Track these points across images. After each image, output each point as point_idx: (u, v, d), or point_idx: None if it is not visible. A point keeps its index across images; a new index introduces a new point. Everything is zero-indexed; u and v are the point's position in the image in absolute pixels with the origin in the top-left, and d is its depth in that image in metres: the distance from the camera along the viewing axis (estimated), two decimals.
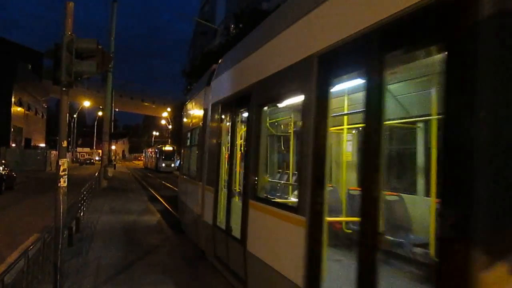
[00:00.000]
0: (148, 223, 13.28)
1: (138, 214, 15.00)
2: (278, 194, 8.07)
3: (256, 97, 5.55)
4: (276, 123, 8.93)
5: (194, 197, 9.07)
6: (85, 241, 10.01)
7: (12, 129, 44.88)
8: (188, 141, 11.38)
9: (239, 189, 6.62)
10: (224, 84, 7.52)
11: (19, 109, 47.67)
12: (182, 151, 13.65)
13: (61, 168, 6.04)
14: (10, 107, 44.45)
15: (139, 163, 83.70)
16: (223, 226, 6.59)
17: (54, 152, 43.61)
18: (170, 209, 16.90)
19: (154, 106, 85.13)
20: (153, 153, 61.30)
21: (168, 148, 54.62)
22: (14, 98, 45.33)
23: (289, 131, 8.15)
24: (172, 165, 51.42)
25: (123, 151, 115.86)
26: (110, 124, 29.32)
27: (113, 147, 66.15)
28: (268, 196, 6.18)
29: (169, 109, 72.72)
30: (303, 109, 4.15)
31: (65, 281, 6.42)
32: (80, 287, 6.66)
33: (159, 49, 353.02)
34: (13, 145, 44.29)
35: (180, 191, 12.58)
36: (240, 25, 24.83)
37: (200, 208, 8.35)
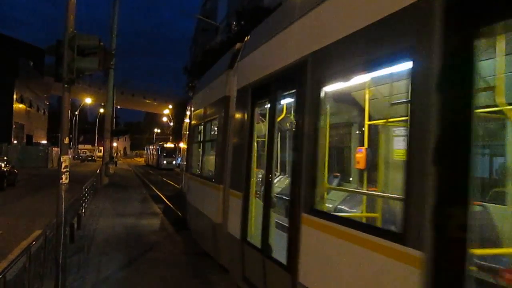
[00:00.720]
0: (150, 221, 13.29)
1: (139, 213, 15.02)
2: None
3: (314, 72, 4.06)
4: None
5: (211, 201, 7.74)
6: (86, 237, 10.04)
7: (13, 126, 44.94)
8: (200, 135, 10.07)
9: (275, 196, 5.47)
10: (256, 64, 6.08)
11: (20, 105, 47.71)
12: (187, 147, 12.39)
13: (63, 165, 6.05)
14: (12, 103, 44.49)
15: (141, 160, 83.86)
16: (258, 244, 5.20)
17: (55, 149, 43.64)
18: (172, 206, 16.92)
19: (155, 103, 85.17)
20: (154, 150, 61.38)
21: (170, 145, 54.68)
22: (16, 95, 45.37)
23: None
24: (174, 162, 51.47)
25: (125, 148, 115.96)
26: (111, 121, 29.36)
27: (115, 144, 66.21)
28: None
29: (170, 106, 72.81)
30: (414, 81, 2.78)
31: (67, 277, 6.44)
32: (82, 283, 6.69)
33: (161, 46, 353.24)
34: (15, 141, 44.36)
35: (188, 192, 11.07)
36: (242, 22, 24.79)
37: (221, 216, 7.07)
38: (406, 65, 2.94)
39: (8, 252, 8.18)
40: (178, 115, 61.23)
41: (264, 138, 5.67)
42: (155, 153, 59.60)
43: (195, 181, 9.85)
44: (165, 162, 52.31)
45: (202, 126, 9.62)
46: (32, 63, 49.87)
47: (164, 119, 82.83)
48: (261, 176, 5.79)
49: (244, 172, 5.89)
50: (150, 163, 63.56)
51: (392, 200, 4.35)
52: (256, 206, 5.65)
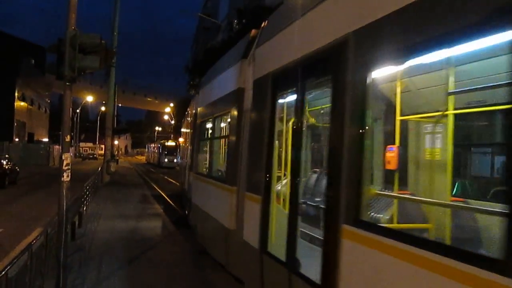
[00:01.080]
0: (151, 220, 13.30)
1: (141, 211, 15.04)
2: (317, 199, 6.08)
3: (357, 53, 3.38)
4: (320, 111, 6.19)
5: (222, 204, 7.15)
6: (88, 236, 10.06)
7: (15, 124, 45.00)
8: (207, 132, 9.44)
9: (300, 201, 4.73)
10: (278, 50, 5.33)
11: (22, 103, 47.79)
12: (193, 144, 11.40)
13: (64, 163, 6.07)
14: (14, 101, 44.57)
15: (142, 158, 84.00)
16: (281, 256, 4.52)
17: (57, 147, 43.70)
18: (173, 205, 16.94)
19: (156, 102, 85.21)
20: (155, 148, 61.43)
21: (171, 143, 54.72)
22: (18, 93, 45.44)
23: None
24: (175, 160, 51.53)
25: (126, 146, 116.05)
26: (112, 119, 29.39)
27: (116, 142, 66.27)
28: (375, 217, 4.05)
29: (171, 105, 72.83)
30: None
31: (68, 275, 6.47)
32: (84, 281, 6.71)
33: (162, 45, 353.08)
34: (16, 139, 44.44)
35: (193, 192, 10.41)
36: (243, 21, 24.76)
37: (234, 222, 6.49)
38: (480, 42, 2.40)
39: (10, 250, 8.20)
40: (179, 114, 61.23)
41: (284, 134, 5.07)
42: (156, 151, 59.65)
43: (202, 181, 9.12)
44: (166, 160, 52.38)
45: (211, 123, 8.85)
46: (33, 61, 49.90)
47: (166, 117, 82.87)
48: (284, 178, 5.13)
49: (263, 173, 5.18)
50: (151, 161, 63.65)
51: (443, 208, 3.74)
52: (278, 212, 4.97)
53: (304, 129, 4.48)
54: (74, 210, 10.78)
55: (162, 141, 59.75)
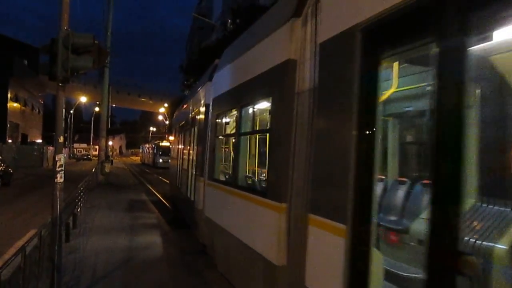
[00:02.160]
0: (147, 225, 13.26)
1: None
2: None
3: None
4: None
5: (259, 227, 5.24)
6: (82, 237, 10.01)
7: (8, 125, 44.67)
8: (231, 127, 7.61)
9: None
10: None
11: (15, 104, 47.46)
12: (205, 144, 8.93)
13: (58, 164, 6.03)
14: (7, 102, 44.24)
15: (136, 159, 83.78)
16: None
17: (51, 148, 43.44)
18: (168, 205, 16.90)
19: (151, 102, 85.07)
20: (150, 148, 61.29)
21: (166, 144, 54.61)
22: (11, 93, 45.12)
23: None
24: (169, 160, 51.42)
25: (120, 147, 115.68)
26: (107, 120, 29.29)
27: (110, 143, 66.02)
28: None
29: (166, 105, 72.71)
30: None
31: (63, 276, 6.43)
32: (78, 283, 6.67)
33: (156, 45, 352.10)
34: (10, 141, 44.11)
35: (208, 204, 8.31)
36: (237, 21, 24.78)
37: (283, 255, 4.55)
38: None
39: (3, 251, 8.15)
40: (174, 114, 61.16)
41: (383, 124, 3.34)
42: (151, 151, 59.53)
43: (224, 192, 7.10)
44: (161, 160, 52.26)
45: (236, 114, 6.87)
46: (26, 61, 49.60)
47: (160, 117, 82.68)
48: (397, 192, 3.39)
49: (350, 189, 3.22)
50: (146, 162, 63.50)
51: None
52: (376, 260, 3.07)
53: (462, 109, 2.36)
54: (68, 211, 10.73)
55: (156, 142, 59.63)
